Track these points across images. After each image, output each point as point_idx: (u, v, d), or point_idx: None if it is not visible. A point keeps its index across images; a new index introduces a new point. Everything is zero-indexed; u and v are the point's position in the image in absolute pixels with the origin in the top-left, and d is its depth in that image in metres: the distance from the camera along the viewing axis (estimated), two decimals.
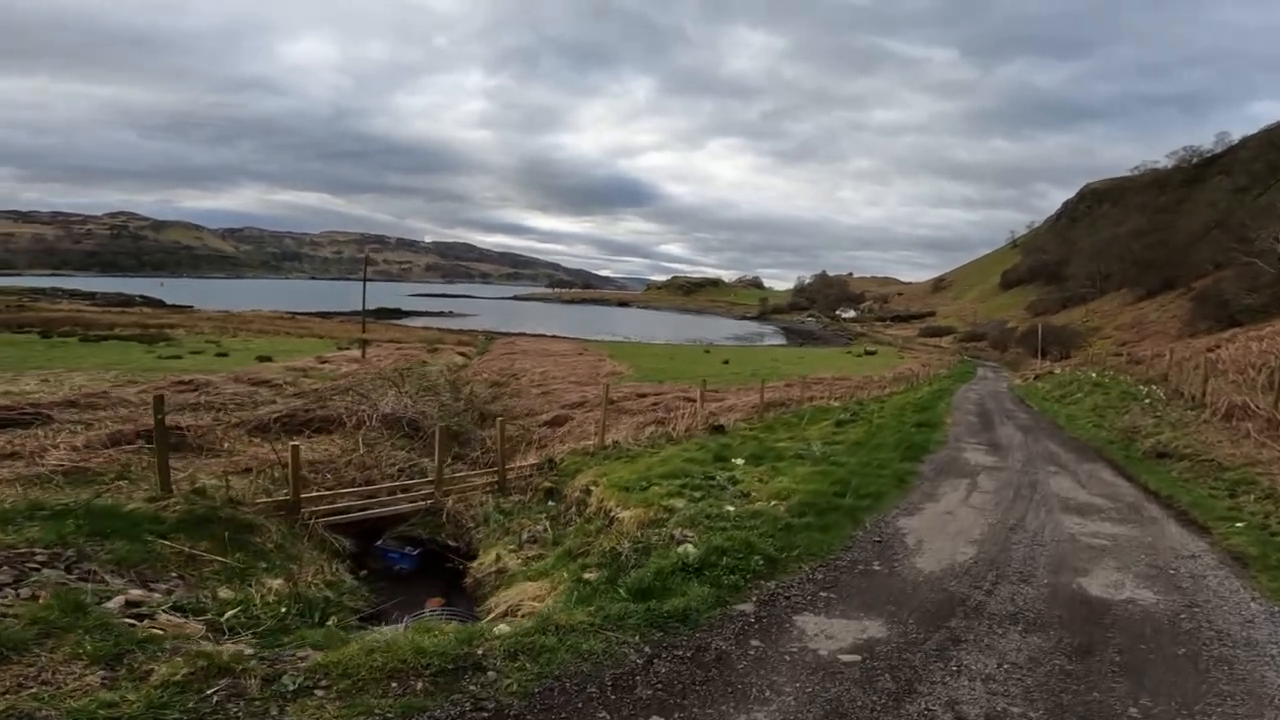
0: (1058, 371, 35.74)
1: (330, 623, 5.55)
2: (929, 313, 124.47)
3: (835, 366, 49.35)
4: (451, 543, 9.58)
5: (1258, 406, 10.64)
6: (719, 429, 15.40)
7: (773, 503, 7.52)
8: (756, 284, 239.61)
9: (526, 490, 10.82)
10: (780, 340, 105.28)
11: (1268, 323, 31.28)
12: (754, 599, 4.76)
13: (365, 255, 49.47)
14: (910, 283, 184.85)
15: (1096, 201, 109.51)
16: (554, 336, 76.77)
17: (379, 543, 9.53)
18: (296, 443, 9.49)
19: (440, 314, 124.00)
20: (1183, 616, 4.86)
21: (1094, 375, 25.97)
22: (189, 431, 11.66)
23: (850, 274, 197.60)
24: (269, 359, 32.77)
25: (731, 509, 7.25)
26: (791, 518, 6.84)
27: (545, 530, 8.73)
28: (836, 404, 22.92)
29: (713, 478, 9.08)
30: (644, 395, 24.29)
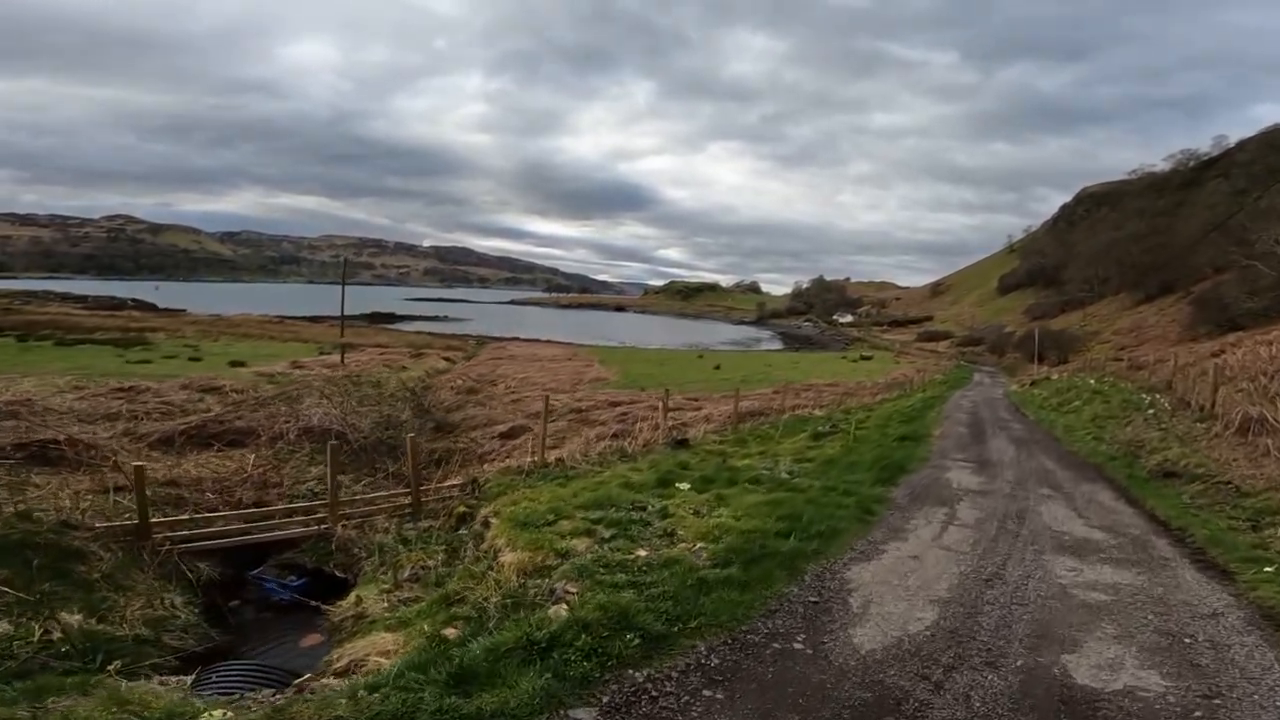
0: (1055, 377, 34.44)
1: (113, 666, 4.83)
2: (926, 317, 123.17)
3: (830, 372, 48.12)
4: (340, 573, 8.51)
5: (1277, 420, 9.34)
6: (682, 443, 14.09)
7: (698, 545, 6.20)
8: (754, 289, 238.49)
9: (440, 515, 9.52)
10: (777, 345, 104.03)
11: (1271, 326, 29.98)
12: (604, 700, 3.45)
13: (344, 259, 48.18)
14: (908, 287, 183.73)
15: (1094, 205, 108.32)
16: (548, 341, 75.87)
17: (256, 571, 8.66)
18: (141, 463, 8.28)
19: (435, 318, 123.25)
20: (1199, 716, 3.56)
21: (1093, 381, 24.67)
22: (67, 446, 10.36)
23: (848, 279, 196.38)
24: (242, 364, 31.80)
25: (643, 554, 5.94)
26: (711, 568, 5.53)
27: (434, 567, 7.42)
28: (820, 413, 21.62)
29: (643, 508, 7.76)
30: (617, 404, 23.00)
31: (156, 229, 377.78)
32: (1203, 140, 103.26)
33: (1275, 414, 9.46)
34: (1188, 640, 4.53)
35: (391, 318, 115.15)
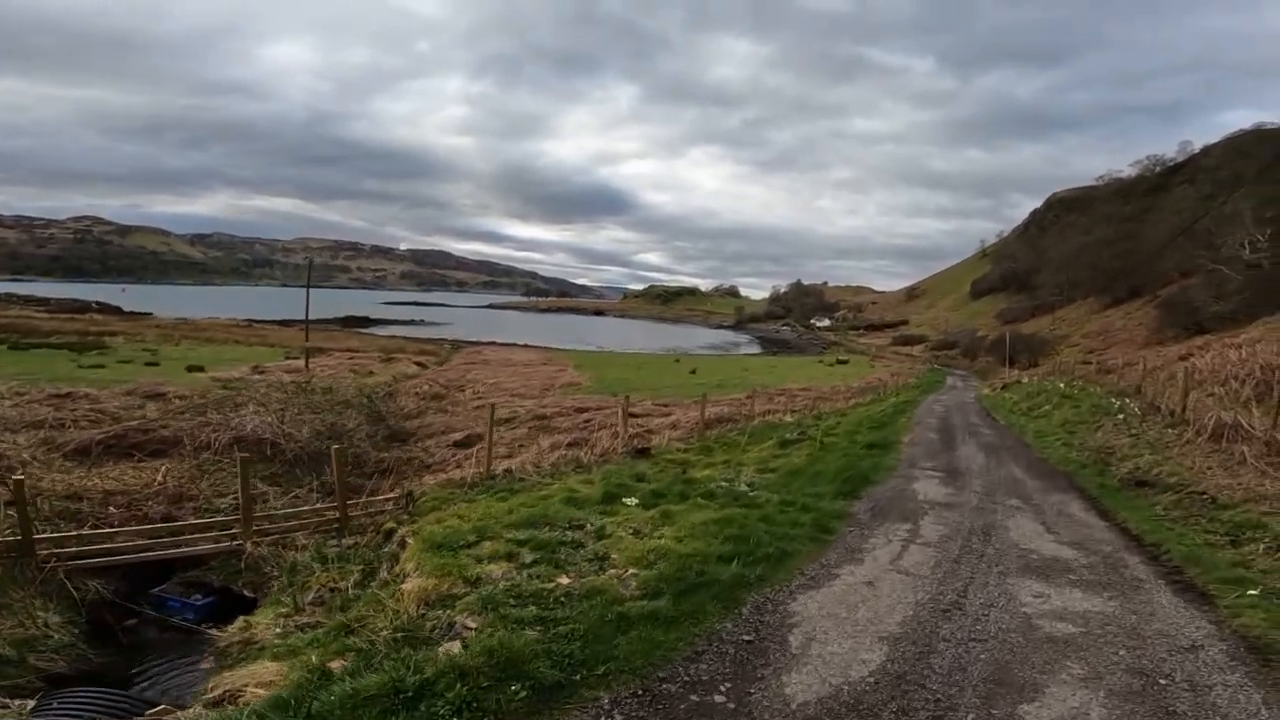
0: (1026, 380, 34.50)
1: None
2: (902, 321, 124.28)
3: (806, 376, 47.98)
4: (249, 593, 7.90)
5: (1252, 426, 8.98)
6: (643, 452, 13.46)
7: (629, 572, 5.57)
8: (733, 293, 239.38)
9: (367, 531, 8.78)
10: (755, 349, 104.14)
11: (1238, 329, 30.28)
12: None
13: (310, 261, 46.96)
14: (884, 291, 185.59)
15: (1064, 210, 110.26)
16: (524, 346, 75.14)
17: (158, 589, 8.17)
18: (21, 476, 7.45)
19: (411, 323, 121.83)
20: None
21: (1063, 385, 24.56)
22: None
23: (825, 283, 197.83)
24: (200, 369, 30.89)
25: (565, 582, 5.30)
26: (638, 600, 4.90)
27: (345, 590, 6.70)
28: (791, 419, 21.16)
29: (581, 526, 7.12)
30: (584, 410, 22.30)
31: (125, 230, 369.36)
32: (1172, 146, 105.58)
33: (1250, 420, 9.10)
34: (1163, 682, 4.00)
35: (366, 322, 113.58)
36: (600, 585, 5.21)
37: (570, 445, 13.83)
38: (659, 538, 6.53)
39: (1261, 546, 5.81)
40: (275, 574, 7.93)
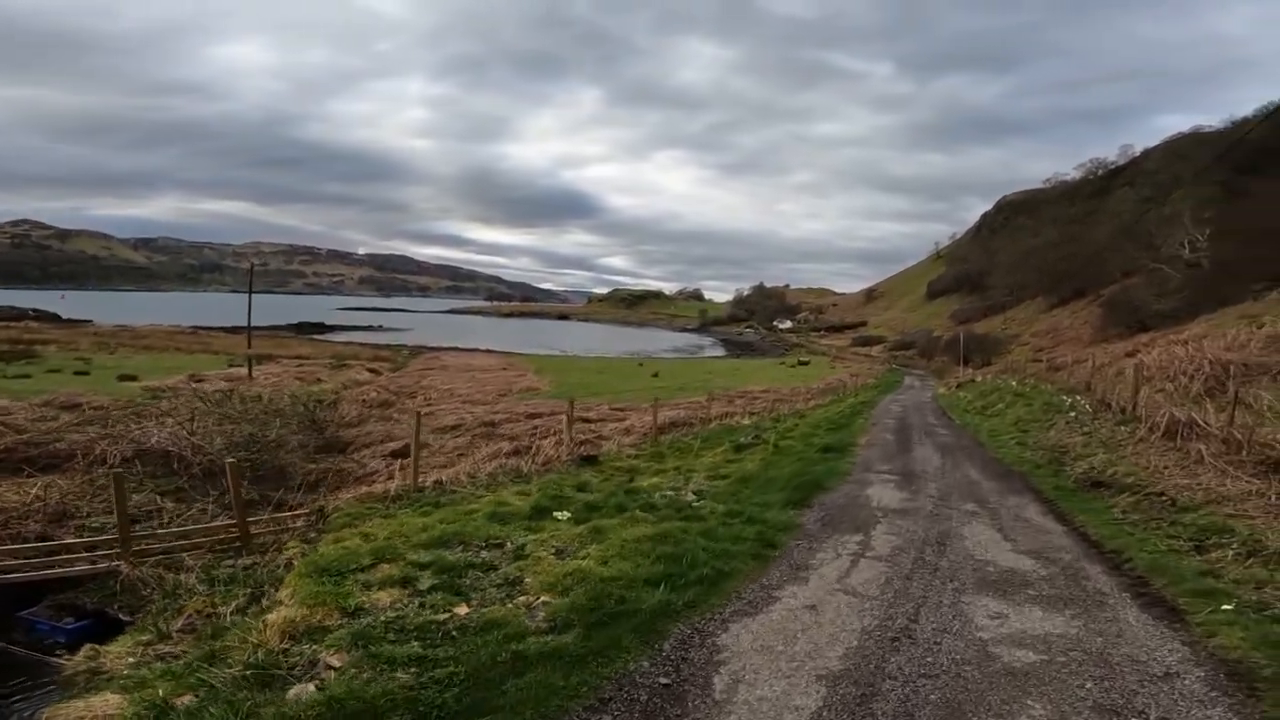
0: (980, 379, 34.94)
1: None
2: (861, 323, 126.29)
3: (768, 378, 47.90)
4: (125, 616, 7.12)
5: (1207, 423, 8.75)
6: (590, 460, 12.74)
7: (540, 599, 4.87)
8: (697, 296, 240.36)
9: (268, 550, 7.90)
10: (719, 352, 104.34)
11: (1179, 327, 31.12)
12: None
13: (251, 265, 44.85)
14: (844, 293, 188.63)
15: (1014, 213, 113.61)
16: (486, 351, 73.87)
17: (27, 612, 7.61)
18: None
19: (370, 328, 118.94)
20: None
21: (1015, 384, 24.75)
22: None
23: (787, 285, 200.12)
24: (133, 378, 29.20)
25: (463, 611, 4.62)
26: (543, 634, 4.24)
27: (223, 615, 5.86)
28: (748, 422, 20.72)
29: (500, 545, 6.38)
30: (536, 415, 21.43)
31: (65, 235, 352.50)
32: (1114, 150, 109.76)
33: (1205, 417, 8.88)
34: None
35: (321, 328, 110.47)
36: (502, 616, 4.51)
37: (512, 454, 13.01)
38: (583, 558, 5.84)
39: (1229, 553, 5.41)
40: (156, 597, 7.08)
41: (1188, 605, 4.69)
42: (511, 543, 6.45)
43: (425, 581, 5.27)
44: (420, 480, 10.38)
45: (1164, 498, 7.08)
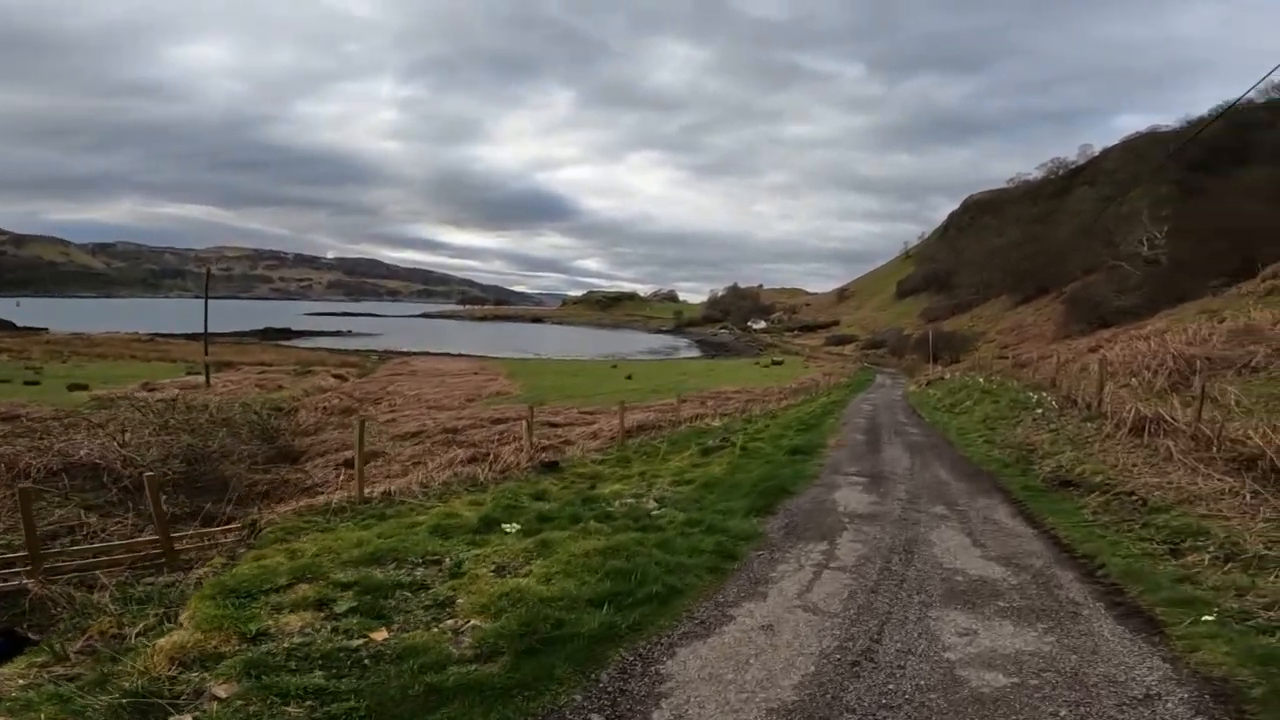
0: (948, 377, 35.22)
1: None
2: (833, 322, 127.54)
3: (742, 378, 47.81)
4: (34, 635, 6.45)
5: (1175, 419, 8.60)
6: (551, 466, 12.24)
7: (470, 622, 4.44)
8: (672, 297, 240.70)
9: (193, 567, 7.32)
10: (695, 353, 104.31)
11: (1139, 322, 31.72)
12: None
13: (207, 270, 43.41)
14: (817, 293, 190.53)
15: (979, 212, 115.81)
16: (458, 355, 72.86)
17: None
18: None
19: (339, 334, 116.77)
20: None
21: (982, 381, 24.87)
22: None
23: (761, 286, 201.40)
24: (84, 387, 28.32)
25: (381, 636, 4.21)
26: (467, 662, 3.82)
27: (129, 637, 5.28)
28: (719, 423, 20.39)
29: (438, 562, 5.89)
30: (502, 420, 20.84)
31: (20, 240, 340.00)
32: (1074, 150, 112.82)
33: (1173, 413, 8.73)
34: None
35: (287, 333, 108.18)
36: (423, 642, 4.05)
37: (469, 461, 12.45)
38: (524, 575, 5.39)
39: (1206, 557, 5.15)
40: (66, 617, 6.45)
41: (1166, 616, 4.40)
42: (451, 559, 5.96)
43: (344, 603, 4.76)
44: (368, 491, 9.79)
45: (1134, 497, 6.86)
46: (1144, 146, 76.29)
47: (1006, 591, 5.13)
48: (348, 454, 15.19)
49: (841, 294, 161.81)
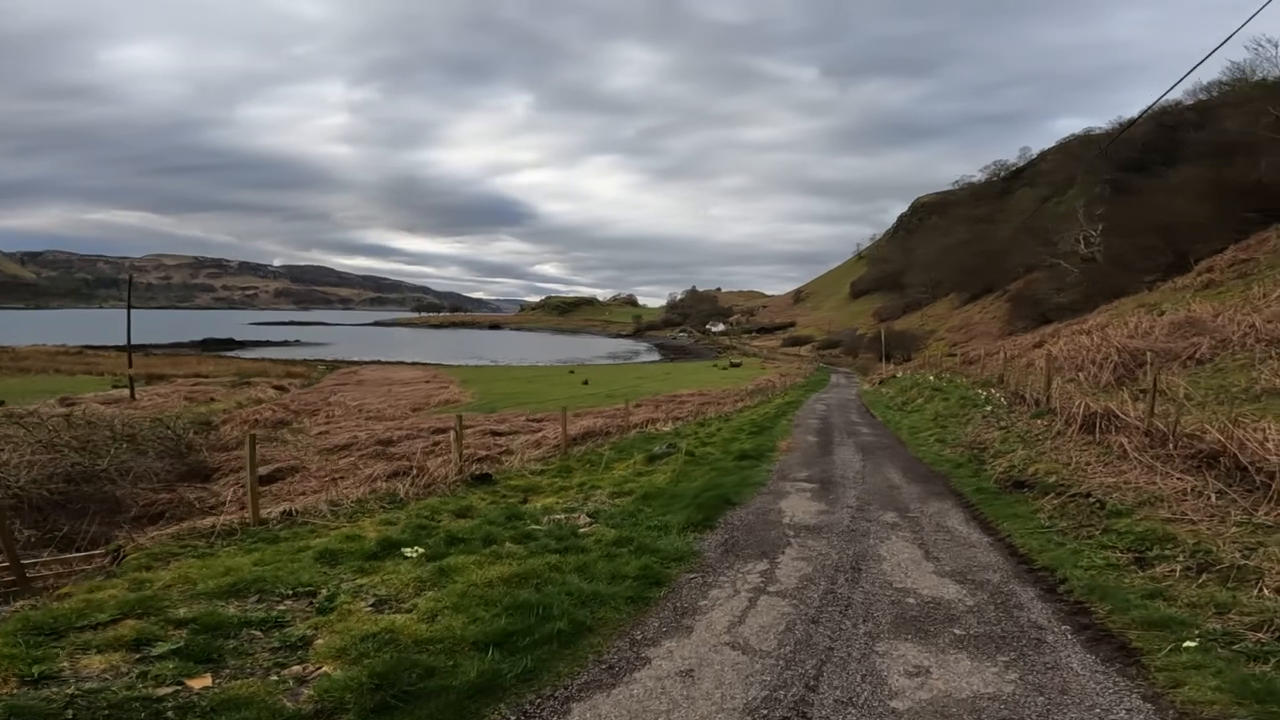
0: (901, 375, 35.47)
1: None
2: (790, 323, 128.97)
3: (698, 381, 47.45)
4: None
5: (1125, 414, 8.27)
6: (483, 478, 11.31)
7: (320, 669, 3.64)
8: (631, 302, 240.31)
9: (48, 595, 6.24)
10: (655, 357, 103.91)
11: (1080, 318, 32.47)
12: None
13: (129, 278, 40.74)
14: (774, 295, 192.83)
15: (927, 214, 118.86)
16: (411, 364, 70.83)
17: None
18: None
19: (286, 344, 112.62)
20: None
21: (933, 378, 24.91)
22: None
23: (719, 289, 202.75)
24: None
25: (198, 685, 3.55)
26: None
27: None
28: (669, 429, 19.72)
29: (312, 594, 5.01)
30: (443, 430, 19.76)
31: None
32: (1014, 152, 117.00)
33: (1124, 408, 8.40)
34: None
35: (230, 344, 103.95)
36: (252, 693, 3.25)
37: (392, 476, 11.42)
38: (407, 610, 4.57)
39: (1177, 568, 4.64)
40: None
41: (1141, 641, 3.82)
42: (327, 590, 5.07)
43: (167, 644, 3.89)
44: (268, 512, 8.71)
45: (1091, 499, 6.40)
46: (1078, 148, 79.30)
47: (962, 615, 4.52)
48: (262, 471, 13.94)
49: (797, 296, 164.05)
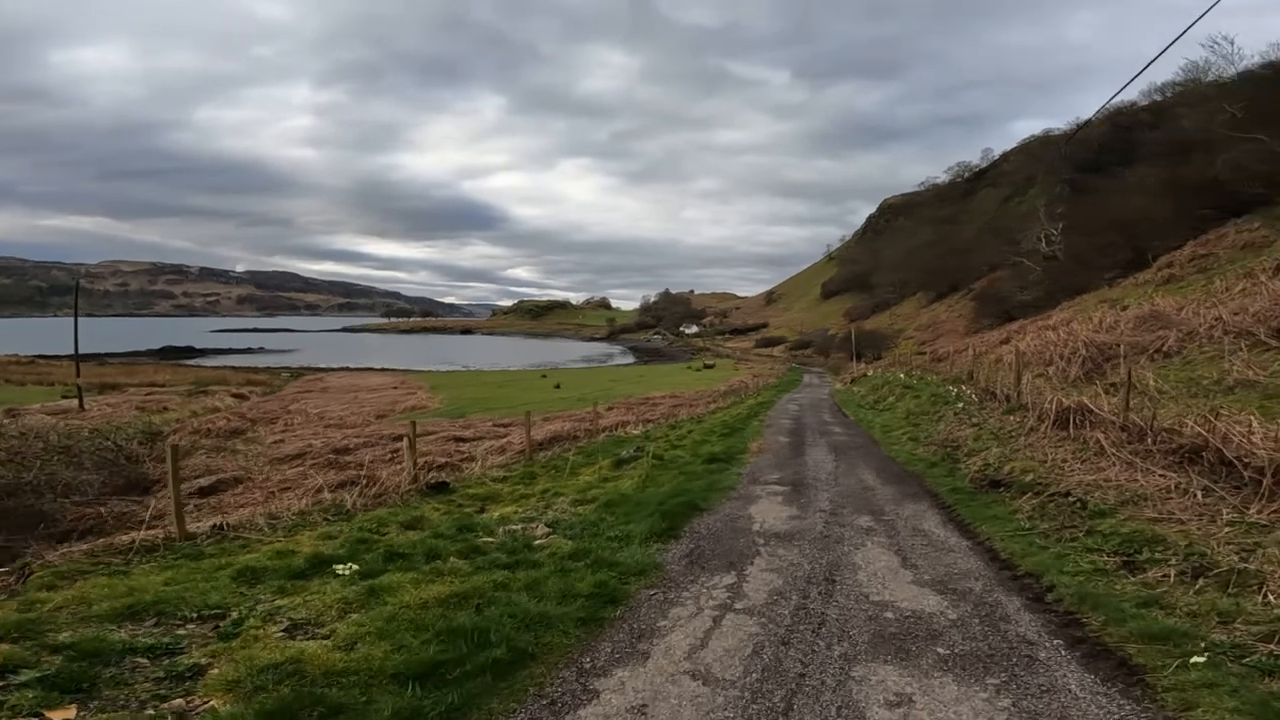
0: (871, 373, 35.57)
1: None
2: (763, 324, 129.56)
3: (673, 383, 47.07)
4: None
5: (1099, 409, 8.04)
6: (439, 487, 10.70)
7: (206, 704, 3.25)
8: (604, 305, 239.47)
9: None
10: (629, 360, 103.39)
11: (1044, 314, 32.92)
12: None
13: (76, 283, 38.94)
14: (747, 297, 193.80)
15: (894, 215, 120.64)
16: (381, 370, 69.28)
17: None
18: None
19: (250, 351, 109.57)
20: None
21: (903, 376, 24.89)
22: None
23: (692, 291, 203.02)
24: None
25: (59, 718, 2.78)
26: None
27: None
28: (639, 432, 19.26)
29: (220, 616, 4.44)
30: (401, 438, 18.99)
31: None
32: (975, 154, 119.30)
33: (1098, 403, 8.17)
34: None
35: (190, 352, 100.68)
36: None
37: (341, 486, 10.73)
38: (324, 636, 4.03)
39: (1171, 572, 4.31)
40: None
41: (1143, 657, 3.45)
42: (237, 613, 4.48)
43: (32, 672, 3.33)
44: (198, 525, 8.00)
45: (1071, 498, 6.10)
46: (1038, 149, 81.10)
47: (945, 630, 4.12)
48: (202, 482, 13.10)
49: (770, 297, 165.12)
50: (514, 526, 7.65)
